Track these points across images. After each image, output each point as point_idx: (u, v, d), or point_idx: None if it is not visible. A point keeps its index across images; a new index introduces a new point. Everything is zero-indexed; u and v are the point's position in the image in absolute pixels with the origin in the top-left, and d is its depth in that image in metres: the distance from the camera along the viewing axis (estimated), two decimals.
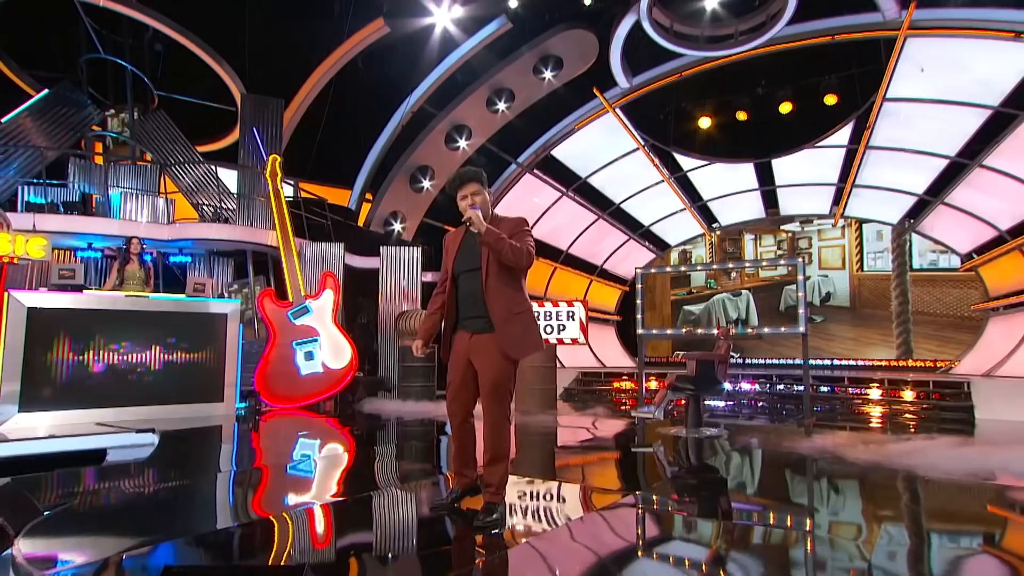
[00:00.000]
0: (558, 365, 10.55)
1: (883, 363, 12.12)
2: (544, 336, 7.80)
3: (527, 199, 12.91)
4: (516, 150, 12.41)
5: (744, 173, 12.51)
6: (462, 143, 11.62)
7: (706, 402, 6.87)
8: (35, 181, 9.05)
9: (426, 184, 12.05)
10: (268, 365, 7.74)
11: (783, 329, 7.45)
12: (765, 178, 12.52)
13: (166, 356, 6.70)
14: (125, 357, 6.43)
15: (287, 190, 10.97)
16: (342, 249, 9.65)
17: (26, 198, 8.96)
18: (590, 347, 13.77)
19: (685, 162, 12.42)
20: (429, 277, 12.34)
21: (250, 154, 10.16)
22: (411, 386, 8.59)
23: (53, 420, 5.88)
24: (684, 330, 7.75)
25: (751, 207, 13.64)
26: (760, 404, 9.21)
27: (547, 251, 14.06)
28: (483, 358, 2.77)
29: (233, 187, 10.26)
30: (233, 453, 5.22)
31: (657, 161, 12.34)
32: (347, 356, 8.18)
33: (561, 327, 7.71)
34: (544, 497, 3.58)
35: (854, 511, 3.51)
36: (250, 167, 10.03)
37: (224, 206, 9.97)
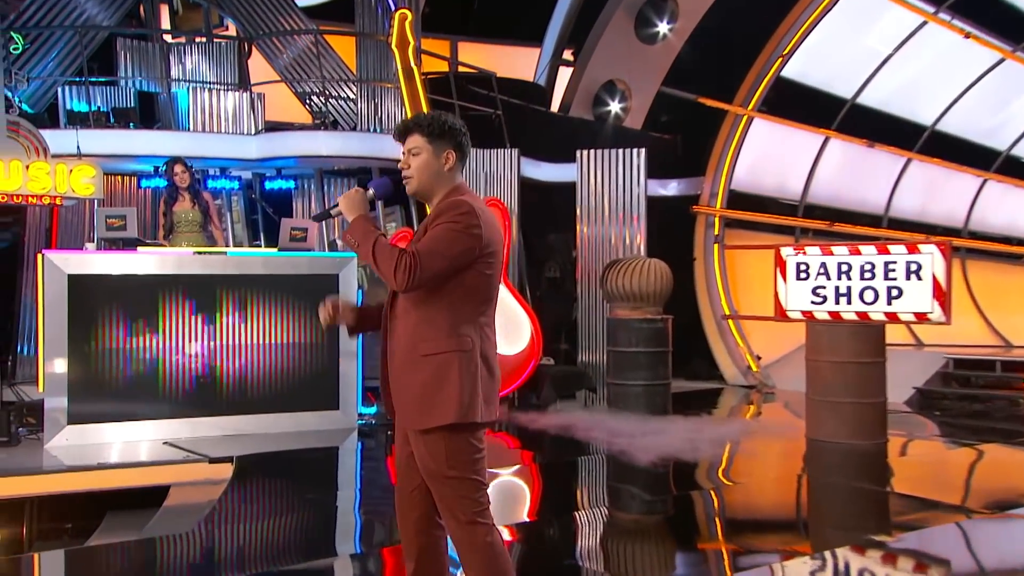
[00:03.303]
0: (898, 346, 9.60)
1: None
2: (860, 309, 6.90)
3: (851, 28, 11.81)
4: None
5: None
6: None
7: None
8: (77, 80, 10.13)
9: (662, 28, 11.86)
10: None
11: None
12: None
13: (255, 342, 7.13)
14: (199, 345, 6.97)
15: (433, 64, 10.99)
16: (517, 157, 9.63)
17: (67, 105, 9.88)
18: (980, 312, 12.66)
19: None
20: (673, 188, 11.77)
21: (372, 8, 10.32)
22: (627, 386, 8.35)
23: (112, 435, 6.50)
24: None
25: None
26: None
27: (890, 131, 12.87)
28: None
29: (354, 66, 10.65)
30: (354, 516, 5.34)
31: None
32: (525, 334, 8.15)
33: (894, 292, 6.81)
34: None
35: None
36: (371, 34, 10.23)
37: (340, 95, 10.34)
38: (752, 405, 9.70)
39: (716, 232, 11.62)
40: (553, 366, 9.31)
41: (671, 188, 11.90)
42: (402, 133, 2.95)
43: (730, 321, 11.20)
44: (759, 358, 10.97)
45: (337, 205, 2.94)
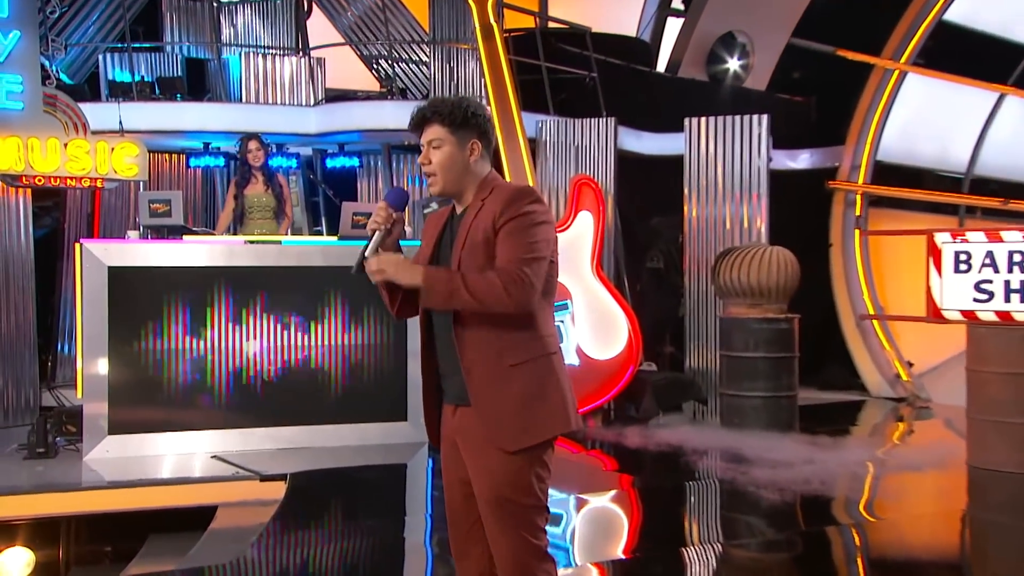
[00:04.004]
0: None
1: None
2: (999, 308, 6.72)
3: None
4: None
5: None
6: None
7: None
8: (119, 46, 10.39)
9: None
10: None
11: None
12: None
13: (313, 342, 7.22)
14: (252, 347, 7.10)
15: (517, 19, 10.95)
16: (614, 126, 9.60)
17: (109, 75, 10.09)
18: None
19: None
20: (804, 161, 11.54)
21: None
22: (744, 397, 8.30)
23: (156, 447, 6.73)
24: None
25: None
26: None
27: None
28: (470, 450, 2.93)
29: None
30: (424, 546, 5.35)
31: None
32: (622, 336, 8.24)
33: None
34: None
35: None
36: None
37: (410, 59, 10.40)
38: (902, 422, 9.52)
39: (858, 213, 11.26)
40: (655, 373, 9.34)
41: (802, 160, 11.67)
42: (418, 123, 2.95)
43: (874, 321, 10.89)
44: (911, 365, 10.55)
45: (364, 259, 2.84)
